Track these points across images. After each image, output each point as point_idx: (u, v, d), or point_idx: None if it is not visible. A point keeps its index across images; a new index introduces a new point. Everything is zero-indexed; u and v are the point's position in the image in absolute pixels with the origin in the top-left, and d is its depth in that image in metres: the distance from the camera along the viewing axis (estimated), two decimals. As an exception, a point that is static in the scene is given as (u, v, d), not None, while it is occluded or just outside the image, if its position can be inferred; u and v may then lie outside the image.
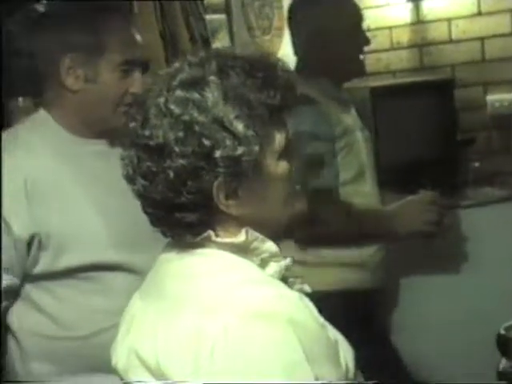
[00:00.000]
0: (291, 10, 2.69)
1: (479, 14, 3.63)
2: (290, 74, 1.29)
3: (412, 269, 3.04)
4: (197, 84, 1.21)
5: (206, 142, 1.19)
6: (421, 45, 3.75)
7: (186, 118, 1.19)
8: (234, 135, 1.19)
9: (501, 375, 1.69)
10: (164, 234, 1.33)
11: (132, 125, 1.26)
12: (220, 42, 3.03)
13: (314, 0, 2.59)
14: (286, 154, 1.28)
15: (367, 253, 2.60)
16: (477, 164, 3.35)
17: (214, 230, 1.26)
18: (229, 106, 1.20)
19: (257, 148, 1.21)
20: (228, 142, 1.19)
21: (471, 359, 2.92)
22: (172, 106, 1.21)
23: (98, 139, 2.01)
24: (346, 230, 2.48)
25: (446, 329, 3.03)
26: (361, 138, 2.65)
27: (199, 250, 1.27)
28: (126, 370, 1.30)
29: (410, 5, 3.72)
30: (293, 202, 1.33)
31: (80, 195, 1.94)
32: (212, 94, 1.20)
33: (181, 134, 1.19)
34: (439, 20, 3.69)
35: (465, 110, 3.53)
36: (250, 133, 1.20)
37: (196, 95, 1.20)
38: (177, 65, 1.28)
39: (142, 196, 1.27)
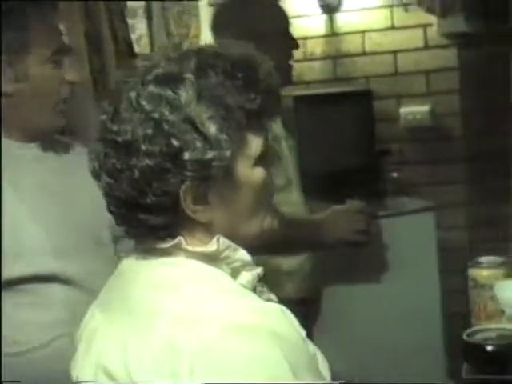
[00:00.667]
0: (217, 14, 2.64)
1: (392, 27, 3.69)
2: (273, 78, 1.22)
3: (334, 278, 3.04)
4: (171, 81, 1.15)
5: (175, 143, 1.13)
6: (335, 56, 3.78)
7: (155, 115, 1.13)
8: (205, 137, 1.13)
9: (464, 382, 1.69)
10: (128, 235, 1.26)
11: (102, 118, 1.20)
12: (140, 48, 2.96)
13: (242, 4, 2.57)
14: (262, 160, 1.22)
15: (296, 262, 2.57)
16: (395, 174, 3.39)
17: (180, 235, 1.20)
18: (202, 105, 1.14)
19: (228, 153, 1.15)
20: (198, 145, 1.13)
21: (393, 366, 2.96)
22: (143, 102, 1.14)
23: (35, 143, 1.92)
24: (276, 238, 2.44)
25: (368, 336, 3.05)
26: (286, 147, 2.63)
27: (168, 259, 1.21)
28: None
29: (325, 17, 3.74)
30: (267, 213, 1.27)
31: (18, 202, 1.84)
32: (186, 92, 1.14)
33: (149, 131, 1.13)
34: (353, 32, 3.73)
35: (380, 121, 3.57)
36: (223, 137, 1.14)
37: (169, 92, 1.14)
38: (155, 58, 1.21)
39: (106, 194, 1.21)
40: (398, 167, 3.53)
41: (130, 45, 2.82)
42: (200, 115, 1.13)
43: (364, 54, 3.74)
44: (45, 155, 1.94)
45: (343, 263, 2.97)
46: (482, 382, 1.67)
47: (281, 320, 1.16)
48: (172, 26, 3.21)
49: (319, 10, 3.74)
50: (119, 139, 1.16)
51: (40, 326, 1.82)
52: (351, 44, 3.74)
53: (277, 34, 2.51)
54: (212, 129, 1.14)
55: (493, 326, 1.78)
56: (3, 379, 1.75)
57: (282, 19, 2.60)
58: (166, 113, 1.13)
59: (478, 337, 1.72)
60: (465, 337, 1.72)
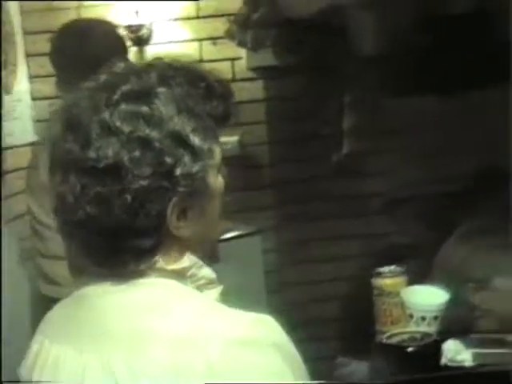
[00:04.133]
0: (55, 41, 2.72)
1: (201, 60, 3.78)
2: (226, 84, 1.25)
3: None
4: (143, 96, 1.13)
5: (168, 160, 1.11)
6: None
7: (139, 134, 1.10)
8: (192, 150, 1.13)
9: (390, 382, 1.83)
10: (99, 266, 1.18)
11: (66, 146, 1.13)
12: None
13: (80, 32, 2.69)
14: (220, 168, 1.23)
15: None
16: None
17: (158, 255, 1.17)
18: (184, 118, 1.14)
19: (211, 162, 1.17)
20: (186, 158, 1.12)
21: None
22: (118, 123, 1.10)
23: None
24: None
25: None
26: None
27: (142, 280, 1.17)
28: None
29: (135, 48, 3.76)
30: (222, 218, 1.28)
31: None
32: (165, 107, 1.12)
33: (137, 152, 1.09)
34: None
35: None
36: (206, 146, 1.15)
37: (145, 108, 1.12)
38: (103, 77, 1.19)
39: (83, 226, 1.14)
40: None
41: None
42: (184, 128, 1.13)
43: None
44: None
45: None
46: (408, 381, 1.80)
47: (275, 329, 1.16)
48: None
49: (129, 42, 3.73)
50: (100, 165, 1.10)
51: None
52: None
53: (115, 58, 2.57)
54: (196, 141, 1.14)
55: (406, 329, 1.95)
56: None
57: (120, 45, 2.76)
58: (147, 130, 1.10)
59: (394, 340, 1.88)
60: (384, 340, 1.87)
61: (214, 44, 3.77)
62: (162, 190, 1.11)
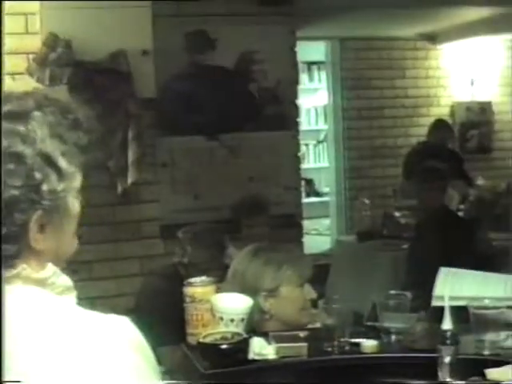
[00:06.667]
0: None
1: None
2: (92, 120, 1.35)
3: None
4: (21, 117, 1.22)
5: (37, 175, 1.20)
6: None
7: (14, 150, 1.19)
8: (58, 171, 1.23)
9: (205, 377, 2.10)
10: None
11: None
12: None
13: None
14: (79, 193, 1.32)
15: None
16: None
17: (21, 263, 1.24)
18: (55, 142, 1.23)
19: (73, 185, 1.27)
20: (53, 177, 1.22)
21: None
22: None
23: None
24: None
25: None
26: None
27: (10, 287, 1.23)
28: None
29: None
30: (75, 241, 1.36)
31: None
32: (39, 129, 1.22)
33: (11, 166, 1.19)
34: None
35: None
36: (71, 170, 1.25)
37: (22, 128, 1.21)
38: None
39: None
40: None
41: None
42: (54, 151, 1.22)
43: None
44: None
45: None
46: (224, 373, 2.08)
47: (133, 329, 1.23)
48: None
49: None
50: None
51: None
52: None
53: None
54: (63, 163, 1.23)
55: (218, 330, 2.21)
56: None
57: None
58: (22, 147, 1.19)
59: (208, 339, 2.14)
60: (201, 340, 2.14)
61: (13, 79, 4.04)
62: (28, 202, 1.19)
